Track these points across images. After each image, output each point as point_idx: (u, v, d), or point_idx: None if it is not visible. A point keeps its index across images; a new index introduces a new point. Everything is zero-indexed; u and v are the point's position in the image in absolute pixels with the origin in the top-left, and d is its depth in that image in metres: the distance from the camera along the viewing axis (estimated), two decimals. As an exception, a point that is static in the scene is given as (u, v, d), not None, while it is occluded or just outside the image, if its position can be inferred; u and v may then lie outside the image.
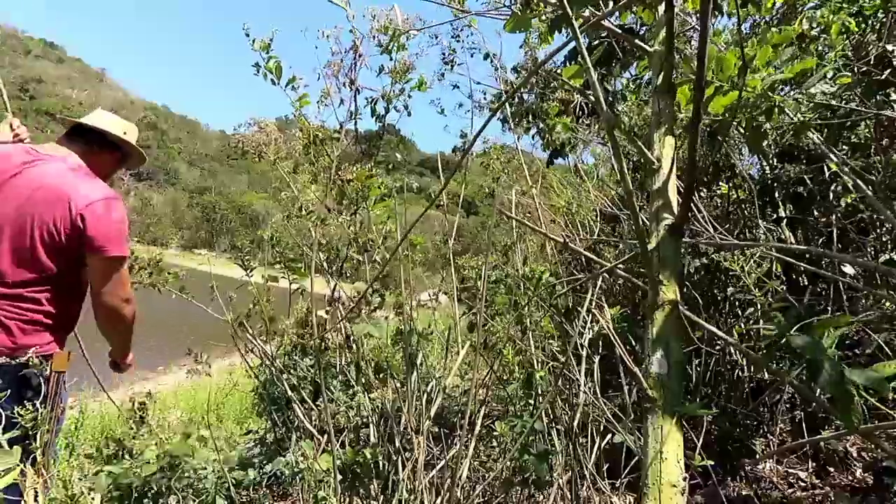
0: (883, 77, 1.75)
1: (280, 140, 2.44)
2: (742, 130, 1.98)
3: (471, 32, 3.12)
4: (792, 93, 1.37)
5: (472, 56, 3.30)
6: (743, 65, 1.02)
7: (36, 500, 1.15)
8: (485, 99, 4.00)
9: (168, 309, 2.49)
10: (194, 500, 2.00)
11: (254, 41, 2.16)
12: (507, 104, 3.32)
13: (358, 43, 2.15)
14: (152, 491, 1.98)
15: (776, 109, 1.28)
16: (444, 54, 2.98)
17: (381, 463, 1.96)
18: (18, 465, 1.03)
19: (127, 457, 2.04)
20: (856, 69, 1.76)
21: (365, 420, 2.15)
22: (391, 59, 2.27)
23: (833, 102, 1.73)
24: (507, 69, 4.18)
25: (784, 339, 0.95)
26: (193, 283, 2.53)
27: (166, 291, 2.38)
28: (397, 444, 1.98)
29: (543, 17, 1.35)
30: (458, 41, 3.05)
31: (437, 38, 2.84)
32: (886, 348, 2.02)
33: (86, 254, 1.65)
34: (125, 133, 1.94)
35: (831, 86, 1.52)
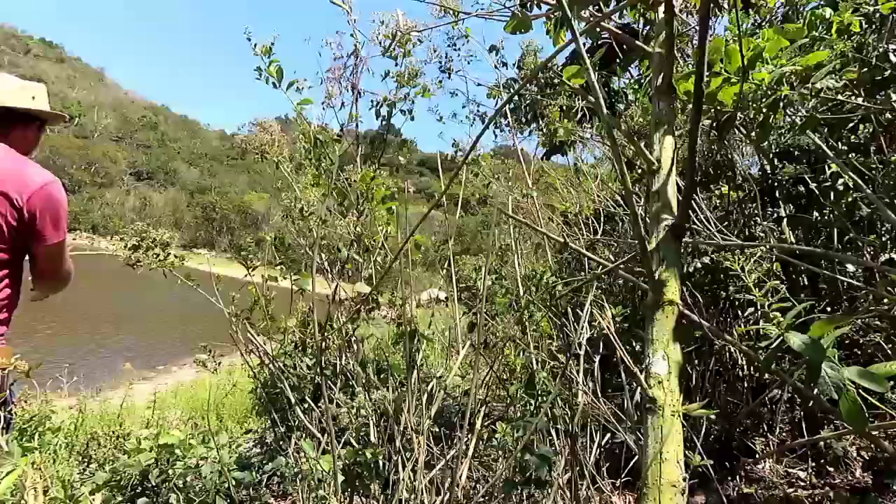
0: (884, 77, 1.75)
1: (282, 140, 2.44)
2: (745, 129, 1.98)
3: (466, 41, 3.14)
4: (798, 88, 1.37)
5: (468, 63, 3.33)
6: (744, 62, 1.02)
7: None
8: (479, 108, 4.00)
9: (167, 309, 2.48)
10: (194, 499, 2.00)
11: (255, 45, 2.16)
12: (506, 106, 3.31)
13: (359, 47, 2.16)
14: (150, 486, 1.98)
15: (782, 103, 1.28)
16: (440, 63, 2.97)
17: (381, 462, 1.97)
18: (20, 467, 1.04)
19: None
20: (857, 69, 1.75)
21: (365, 420, 2.15)
22: (397, 65, 2.29)
23: (839, 97, 1.73)
24: (510, 65, 4.16)
25: (784, 339, 0.95)
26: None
27: (168, 286, 2.37)
28: (398, 443, 1.98)
29: (547, 18, 1.35)
30: (455, 49, 3.07)
31: (435, 51, 2.85)
32: (886, 347, 2.02)
33: (32, 241, 1.64)
34: (34, 98, 1.75)
35: (837, 81, 1.51)
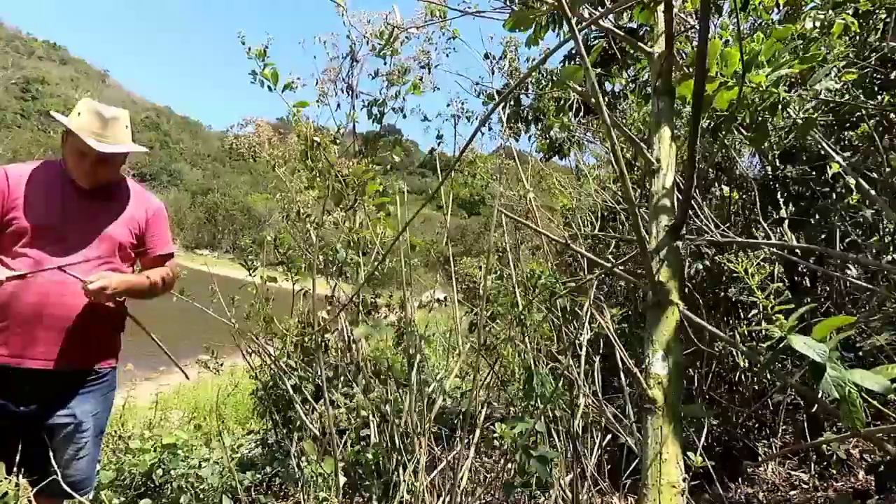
0: (885, 77, 1.74)
1: (275, 139, 2.44)
2: (744, 130, 1.97)
3: (451, 37, 3.05)
4: (796, 90, 1.36)
5: (447, 56, 3.20)
6: (744, 63, 1.01)
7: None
8: (463, 108, 3.89)
9: (168, 311, 2.48)
10: (201, 499, 2.00)
11: (249, 49, 2.15)
12: (501, 105, 3.29)
13: (355, 49, 2.16)
14: (154, 485, 1.99)
15: (780, 105, 1.27)
16: (416, 58, 2.84)
17: (382, 464, 1.96)
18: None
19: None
20: (857, 70, 1.74)
21: (366, 421, 2.15)
22: (385, 63, 2.28)
23: (838, 99, 1.71)
24: (503, 66, 4.10)
25: (786, 341, 0.95)
26: (196, 284, 2.54)
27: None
28: (398, 445, 1.97)
29: (542, 16, 1.34)
30: (432, 44, 2.95)
31: (426, 53, 2.72)
32: (887, 349, 2.00)
33: None
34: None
35: (836, 83, 1.50)
